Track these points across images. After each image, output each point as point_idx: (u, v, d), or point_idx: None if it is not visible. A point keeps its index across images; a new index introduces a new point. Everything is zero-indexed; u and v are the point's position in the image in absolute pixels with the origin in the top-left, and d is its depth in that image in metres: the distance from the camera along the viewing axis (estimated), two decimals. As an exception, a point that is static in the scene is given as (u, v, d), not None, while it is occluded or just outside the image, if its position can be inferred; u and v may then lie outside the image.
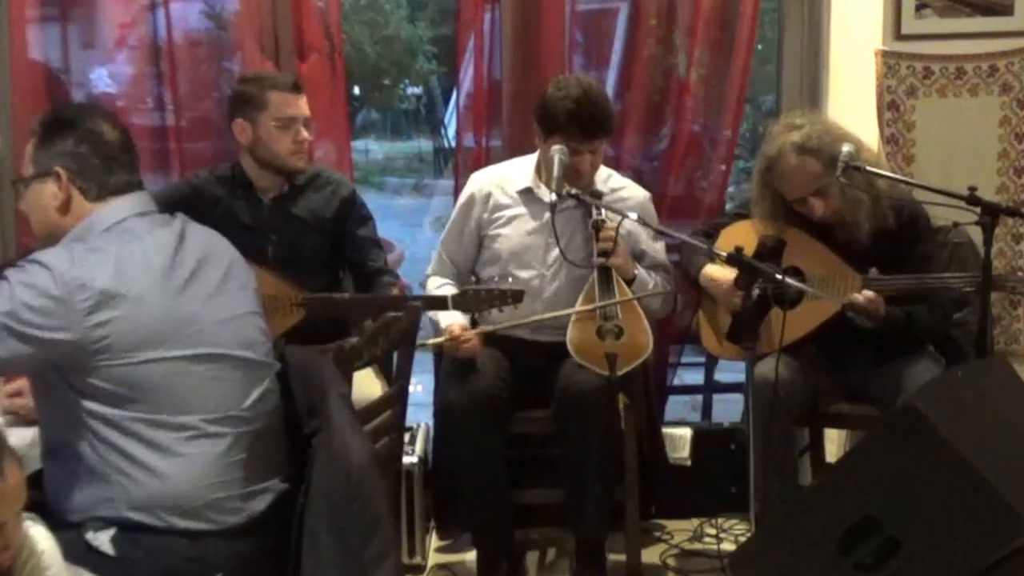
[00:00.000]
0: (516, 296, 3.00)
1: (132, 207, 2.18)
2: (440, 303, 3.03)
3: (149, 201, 2.24)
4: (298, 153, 3.21)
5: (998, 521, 2.19)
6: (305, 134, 3.21)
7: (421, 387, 3.93)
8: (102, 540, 2.04)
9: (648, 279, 3.27)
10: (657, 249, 3.38)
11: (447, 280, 3.35)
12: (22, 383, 2.33)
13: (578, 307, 3.12)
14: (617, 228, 3.08)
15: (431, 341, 3.19)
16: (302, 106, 3.22)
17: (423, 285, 3.51)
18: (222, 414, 2.13)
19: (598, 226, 3.12)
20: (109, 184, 2.18)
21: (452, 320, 3.13)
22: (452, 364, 3.22)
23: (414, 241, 6.28)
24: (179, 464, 2.07)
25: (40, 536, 1.85)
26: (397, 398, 2.74)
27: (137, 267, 2.09)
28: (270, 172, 3.24)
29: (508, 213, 3.32)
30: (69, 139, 2.18)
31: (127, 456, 2.06)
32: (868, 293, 2.96)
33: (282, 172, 3.24)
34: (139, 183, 2.25)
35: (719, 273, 3.20)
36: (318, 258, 3.31)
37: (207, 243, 2.29)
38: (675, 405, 4.10)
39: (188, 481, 2.07)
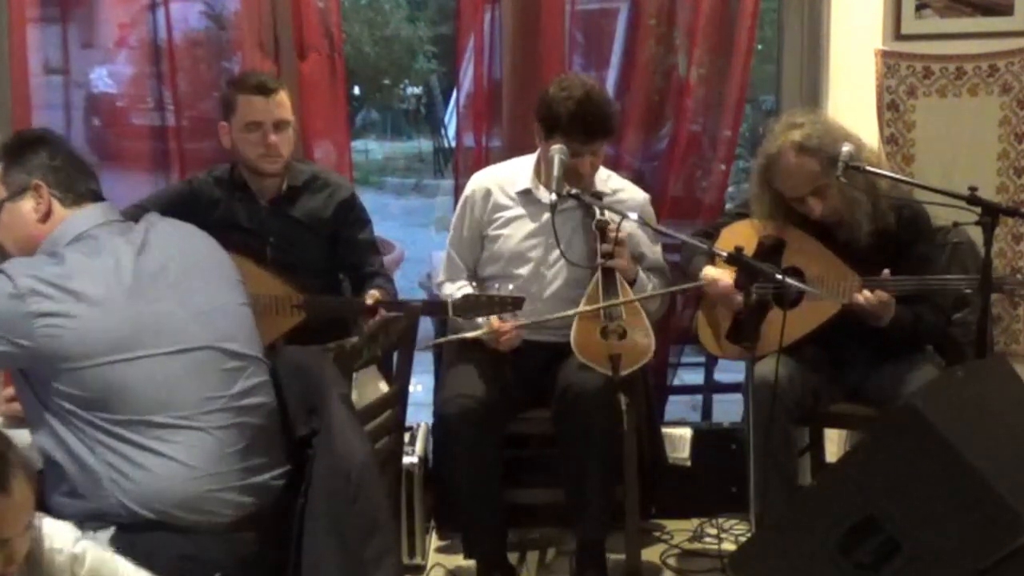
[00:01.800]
0: (516, 303, 3.00)
1: (96, 217, 2.26)
2: (440, 308, 3.03)
3: (112, 210, 2.32)
4: (267, 156, 3.16)
5: (998, 521, 2.19)
6: (273, 137, 3.14)
7: (421, 387, 3.93)
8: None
9: (647, 281, 3.27)
10: (655, 252, 3.38)
11: (463, 281, 3.34)
12: None
13: (583, 307, 3.12)
14: (617, 229, 3.08)
15: (472, 334, 3.18)
16: (270, 109, 3.14)
17: (422, 285, 3.51)
18: (208, 408, 2.14)
19: (602, 226, 3.12)
20: (82, 191, 2.29)
21: None
22: (450, 372, 3.22)
23: (414, 241, 6.27)
24: (171, 459, 2.09)
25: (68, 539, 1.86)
26: (397, 398, 2.75)
27: (93, 273, 2.13)
28: (255, 175, 3.24)
29: (508, 214, 3.32)
30: (42, 153, 2.28)
31: (119, 455, 2.07)
32: (881, 294, 2.96)
33: (258, 174, 3.23)
34: (102, 194, 2.32)
35: (718, 275, 3.20)
36: (316, 259, 3.31)
37: (177, 240, 2.33)
38: (675, 405, 4.10)
39: (182, 475, 2.08)
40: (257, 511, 2.16)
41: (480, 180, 3.39)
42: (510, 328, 3.14)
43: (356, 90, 8.71)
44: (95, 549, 1.88)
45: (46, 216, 2.24)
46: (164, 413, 2.10)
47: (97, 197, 2.31)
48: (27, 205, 2.24)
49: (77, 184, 2.27)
